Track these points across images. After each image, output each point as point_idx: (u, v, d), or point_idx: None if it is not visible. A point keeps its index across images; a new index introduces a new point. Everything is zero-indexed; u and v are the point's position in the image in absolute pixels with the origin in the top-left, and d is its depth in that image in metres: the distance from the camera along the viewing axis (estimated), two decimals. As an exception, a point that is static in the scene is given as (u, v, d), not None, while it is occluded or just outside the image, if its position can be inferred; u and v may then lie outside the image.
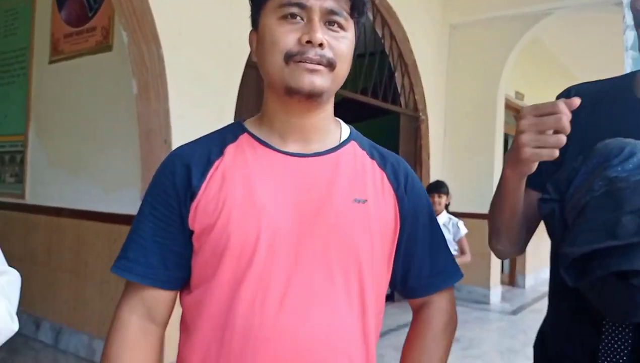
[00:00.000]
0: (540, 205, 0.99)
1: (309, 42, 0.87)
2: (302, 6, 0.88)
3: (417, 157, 6.38)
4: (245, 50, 3.62)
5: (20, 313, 1.07)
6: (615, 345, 0.93)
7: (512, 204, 1.03)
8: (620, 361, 0.91)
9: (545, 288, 1.21)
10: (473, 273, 6.15)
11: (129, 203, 3.53)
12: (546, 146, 0.87)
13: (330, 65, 0.89)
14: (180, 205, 0.93)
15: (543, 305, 1.35)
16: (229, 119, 3.54)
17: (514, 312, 6.22)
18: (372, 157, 1.03)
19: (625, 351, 0.92)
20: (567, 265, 0.87)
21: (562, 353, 1.06)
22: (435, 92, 6.46)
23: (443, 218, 4.14)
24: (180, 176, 0.94)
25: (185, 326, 0.97)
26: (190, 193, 0.92)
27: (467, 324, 5.41)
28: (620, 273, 0.81)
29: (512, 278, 7.80)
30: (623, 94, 1.05)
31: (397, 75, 6.11)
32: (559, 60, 8.21)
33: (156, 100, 3.31)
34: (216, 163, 0.94)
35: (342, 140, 1.01)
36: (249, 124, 1.01)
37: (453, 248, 4.01)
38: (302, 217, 0.91)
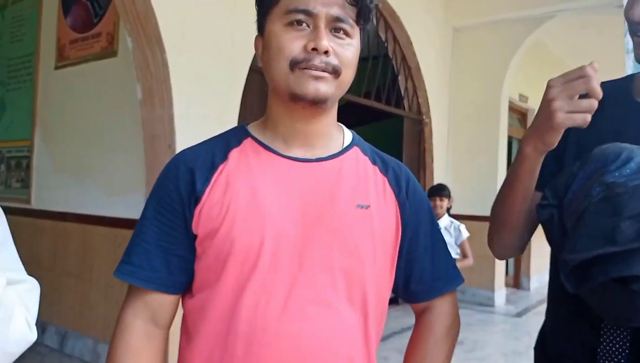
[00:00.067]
0: (538, 211, 0.99)
1: (314, 49, 0.87)
2: (308, 13, 0.88)
3: (421, 160, 6.38)
4: (249, 54, 3.64)
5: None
6: (614, 348, 0.93)
7: (525, 188, 1.02)
8: None
9: (550, 290, 1.21)
10: (477, 276, 6.15)
11: (134, 207, 3.54)
12: (579, 110, 0.88)
13: (336, 72, 0.90)
14: (184, 209, 0.93)
15: (546, 308, 1.35)
16: (233, 123, 3.56)
17: (519, 315, 6.20)
18: (374, 162, 1.03)
19: (624, 353, 0.92)
20: (567, 272, 0.87)
21: (562, 354, 1.06)
22: (438, 95, 6.46)
23: (445, 221, 4.14)
24: (184, 180, 0.94)
25: (186, 330, 0.97)
26: (194, 197, 0.92)
27: (471, 327, 5.40)
28: (620, 279, 0.81)
29: (516, 281, 7.78)
30: (622, 96, 1.06)
31: (401, 78, 6.11)
32: (563, 62, 8.18)
33: (160, 106, 3.33)
34: (220, 167, 0.94)
35: (344, 145, 1.02)
36: (252, 129, 1.01)
37: (455, 252, 4.02)
38: (305, 222, 0.92)
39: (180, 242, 0.94)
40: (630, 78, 1.12)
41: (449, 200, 4.25)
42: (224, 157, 0.96)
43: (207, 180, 0.93)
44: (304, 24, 0.89)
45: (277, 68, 0.91)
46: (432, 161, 6.39)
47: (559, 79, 0.90)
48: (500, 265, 6.51)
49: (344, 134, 1.05)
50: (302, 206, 0.93)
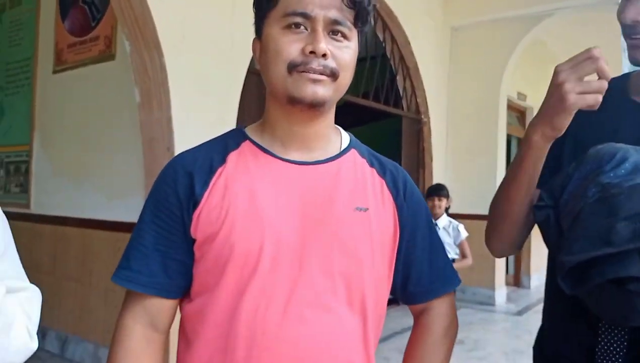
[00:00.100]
0: (534, 212, 0.99)
1: (312, 52, 0.87)
2: (306, 16, 0.88)
3: (420, 159, 6.39)
4: (246, 56, 3.64)
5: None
6: (612, 347, 0.93)
7: (529, 179, 1.01)
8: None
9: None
10: (478, 275, 6.15)
11: (133, 211, 3.53)
12: (590, 91, 0.88)
13: (334, 75, 0.89)
14: (182, 213, 0.92)
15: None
16: (231, 125, 3.56)
17: (519, 313, 6.21)
18: (371, 165, 1.03)
19: (622, 353, 0.92)
20: (564, 274, 0.86)
21: (559, 354, 1.06)
22: (437, 95, 6.47)
23: (443, 221, 4.13)
24: (182, 184, 0.93)
25: (185, 335, 0.97)
26: (193, 201, 0.92)
27: (472, 325, 5.41)
28: (617, 280, 0.81)
29: (517, 279, 7.78)
30: (618, 95, 1.06)
31: (399, 78, 6.12)
32: (561, 60, 8.16)
33: (158, 109, 3.34)
34: (219, 170, 0.94)
35: (342, 148, 1.02)
36: (250, 131, 1.01)
37: (454, 252, 4.02)
38: (304, 226, 0.92)
39: (178, 246, 0.93)
40: (626, 76, 1.12)
41: (447, 200, 4.24)
42: (223, 160, 0.95)
43: (205, 183, 0.93)
44: (302, 27, 0.89)
45: (275, 71, 0.90)
46: (432, 160, 6.40)
47: (567, 63, 0.90)
48: (500, 264, 6.52)
49: (341, 136, 1.05)
50: (301, 209, 0.93)
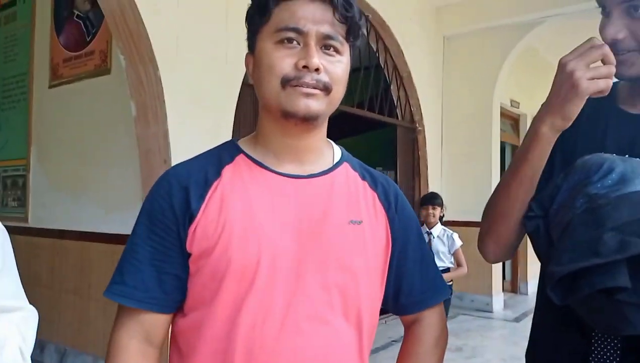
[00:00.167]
0: (524, 223, 1.00)
1: (305, 67, 0.88)
2: (298, 31, 0.89)
3: (415, 167, 6.41)
4: (241, 68, 3.60)
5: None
6: (606, 356, 0.94)
7: (533, 173, 1.00)
8: None
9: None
10: (475, 282, 6.16)
11: (131, 223, 3.45)
12: (600, 76, 0.89)
13: (326, 89, 0.90)
14: (179, 227, 0.92)
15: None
16: (227, 137, 3.57)
17: (517, 319, 6.21)
18: (363, 178, 1.05)
19: (615, 361, 0.93)
20: (553, 285, 0.86)
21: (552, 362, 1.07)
22: (431, 103, 6.50)
23: (438, 230, 4.13)
24: (178, 198, 0.93)
25: (178, 349, 0.96)
26: (189, 215, 0.91)
27: (470, 332, 5.41)
28: (606, 290, 0.81)
29: (514, 285, 7.78)
30: (606, 103, 1.06)
31: (393, 87, 6.15)
32: (554, 67, 8.11)
33: (155, 122, 3.35)
34: (214, 184, 0.94)
35: (335, 161, 1.03)
36: (243, 144, 1.01)
37: (449, 261, 4.02)
38: (300, 239, 0.92)
39: (174, 261, 0.93)
40: (614, 85, 1.14)
41: (441, 208, 4.23)
42: (218, 174, 0.95)
43: (201, 197, 0.92)
44: (295, 42, 0.90)
45: (268, 86, 0.91)
46: (427, 168, 6.41)
47: (572, 54, 0.92)
48: (497, 270, 6.52)
49: (333, 149, 1.06)
50: (296, 223, 0.93)
